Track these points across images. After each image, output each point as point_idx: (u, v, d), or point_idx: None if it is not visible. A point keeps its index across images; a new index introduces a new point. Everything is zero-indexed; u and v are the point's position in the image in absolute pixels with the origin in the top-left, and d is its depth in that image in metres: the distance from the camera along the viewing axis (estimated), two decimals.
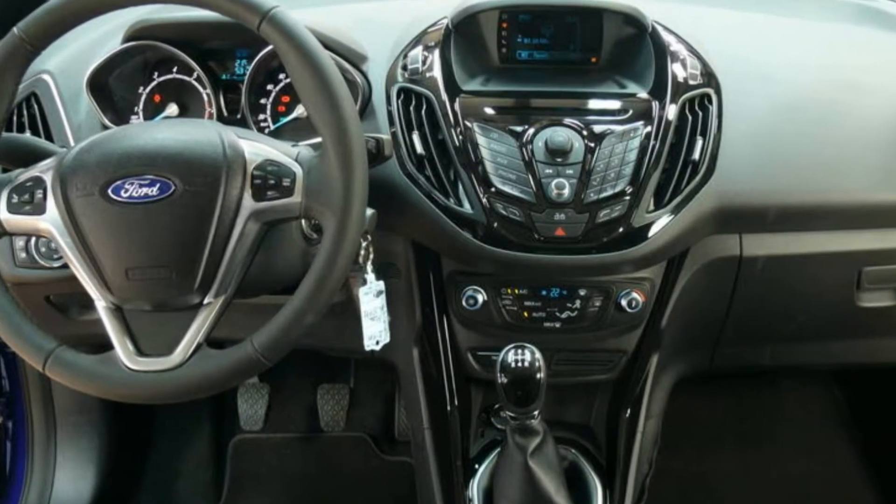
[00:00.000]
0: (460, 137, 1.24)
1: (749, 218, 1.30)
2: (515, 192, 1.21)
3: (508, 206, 1.21)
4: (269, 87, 1.37)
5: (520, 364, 1.14)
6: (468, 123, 1.24)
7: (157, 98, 1.39)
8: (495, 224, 1.22)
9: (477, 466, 1.47)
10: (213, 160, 0.98)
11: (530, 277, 1.31)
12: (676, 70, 1.29)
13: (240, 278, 1.01)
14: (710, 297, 1.40)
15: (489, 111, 1.27)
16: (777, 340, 1.56)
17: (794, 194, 1.30)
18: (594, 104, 1.29)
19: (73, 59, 1.41)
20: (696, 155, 1.24)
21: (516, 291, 1.32)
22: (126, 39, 1.34)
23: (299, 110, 1.34)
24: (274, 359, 0.98)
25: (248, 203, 0.99)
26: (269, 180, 0.99)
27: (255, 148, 1.02)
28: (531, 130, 1.23)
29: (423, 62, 1.31)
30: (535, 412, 1.21)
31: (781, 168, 1.30)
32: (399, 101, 1.29)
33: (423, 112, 1.27)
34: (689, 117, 1.26)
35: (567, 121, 1.24)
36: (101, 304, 1.01)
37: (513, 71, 1.38)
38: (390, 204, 1.24)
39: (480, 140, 1.23)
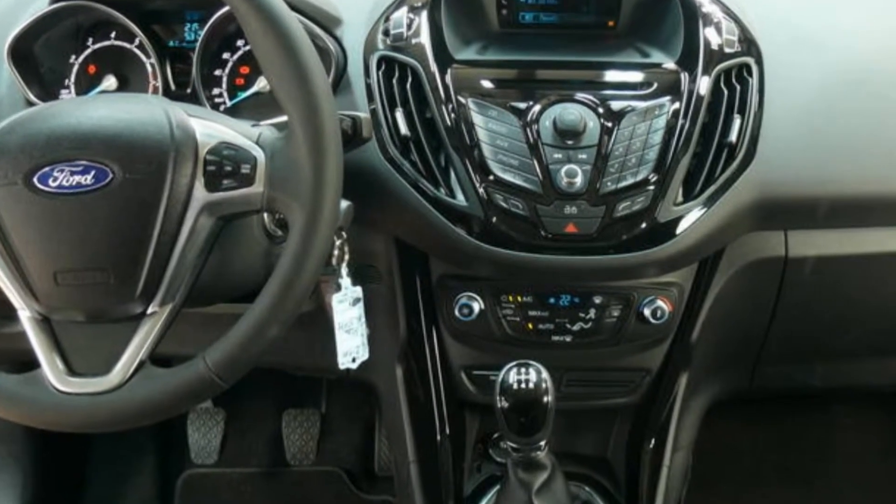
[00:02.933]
0: (452, 116, 1.24)
1: (796, 211, 1.31)
2: (518, 181, 1.21)
3: (510, 198, 1.21)
4: (225, 55, 1.38)
5: (523, 385, 1.14)
6: (462, 99, 1.24)
7: (91, 69, 1.39)
8: (494, 219, 1.22)
9: None
10: (157, 143, 0.98)
11: (536, 282, 1.32)
12: (709, 36, 1.29)
13: (190, 283, 1.01)
14: (750, 305, 1.41)
15: (487, 85, 1.27)
16: (828, 357, 1.57)
17: (850, 183, 1.31)
18: (612, 76, 1.30)
19: None
20: (733, 136, 1.24)
21: (519, 299, 1.33)
22: None
23: (261, 83, 1.35)
24: (231, 379, 0.98)
25: (201, 194, 0.99)
26: (225, 167, 0.99)
27: (209, 128, 1.02)
28: (537, 107, 1.24)
29: (409, 26, 1.31)
30: (542, 443, 1.21)
31: (835, 152, 1.31)
32: (380, 73, 1.29)
33: (408, 86, 1.27)
34: (725, 92, 1.27)
35: (579, 96, 1.25)
36: (25, 315, 1.01)
37: (515, 37, 1.39)
38: (369, 195, 1.24)
39: (476, 119, 1.23)
